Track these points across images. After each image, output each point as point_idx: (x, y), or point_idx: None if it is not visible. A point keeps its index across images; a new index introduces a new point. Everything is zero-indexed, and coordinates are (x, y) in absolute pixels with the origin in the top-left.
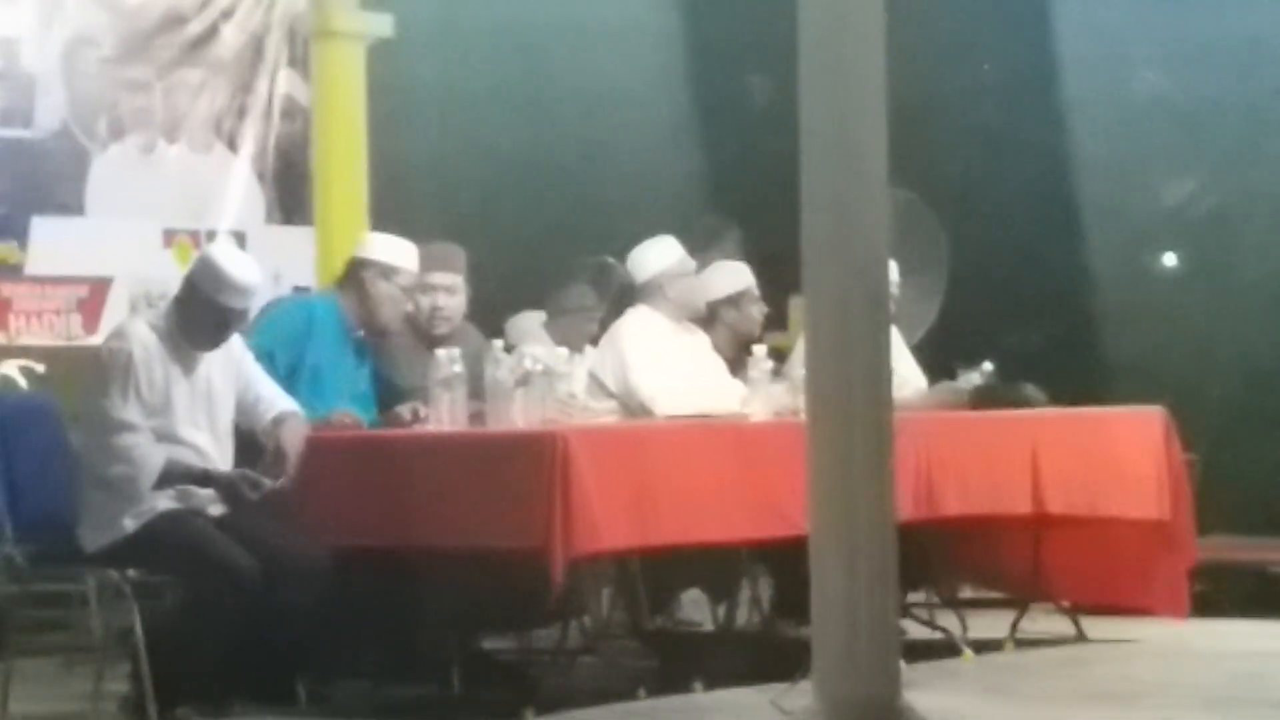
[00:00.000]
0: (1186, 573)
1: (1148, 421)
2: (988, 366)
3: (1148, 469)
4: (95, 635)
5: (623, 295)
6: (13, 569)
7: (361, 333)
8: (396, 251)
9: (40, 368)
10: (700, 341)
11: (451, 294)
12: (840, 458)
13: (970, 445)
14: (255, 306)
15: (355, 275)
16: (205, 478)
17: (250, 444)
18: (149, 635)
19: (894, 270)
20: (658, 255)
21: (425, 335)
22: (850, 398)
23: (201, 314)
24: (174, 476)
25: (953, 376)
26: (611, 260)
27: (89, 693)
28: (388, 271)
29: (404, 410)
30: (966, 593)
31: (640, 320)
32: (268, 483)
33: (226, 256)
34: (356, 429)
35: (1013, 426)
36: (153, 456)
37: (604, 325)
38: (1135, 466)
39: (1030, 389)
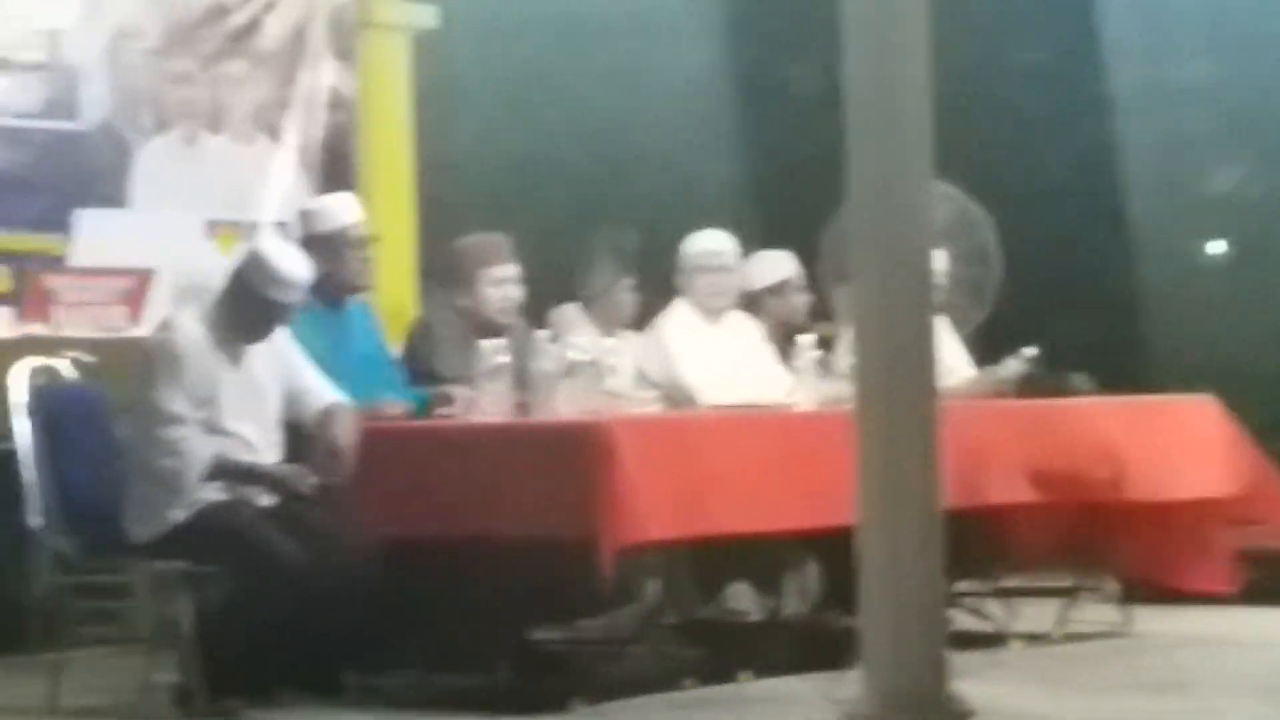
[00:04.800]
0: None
1: (1201, 408)
2: (1030, 351)
3: (1206, 448)
4: (144, 626)
5: (668, 283)
6: (62, 561)
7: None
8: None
9: (89, 359)
10: (747, 329)
11: (517, 285)
12: (887, 447)
13: (1017, 433)
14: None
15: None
16: (253, 474)
17: (297, 434)
18: (198, 626)
19: (941, 260)
20: (690, 246)
21: (485, 326)
22: (897, 387)
23: (249, 307)
24: (222, 471)
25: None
26: (619, 230)
27: (138, 684)
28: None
29: (453, 390)
30: (1014, 582)
31: (684, 310)
32: (316, 479)
33: (275, 250)
34: (404, 417)
35: (1061, 414)
36: (201, 450)
37: (648, 309)
38: (1191, 447)
39: (1078, 378)
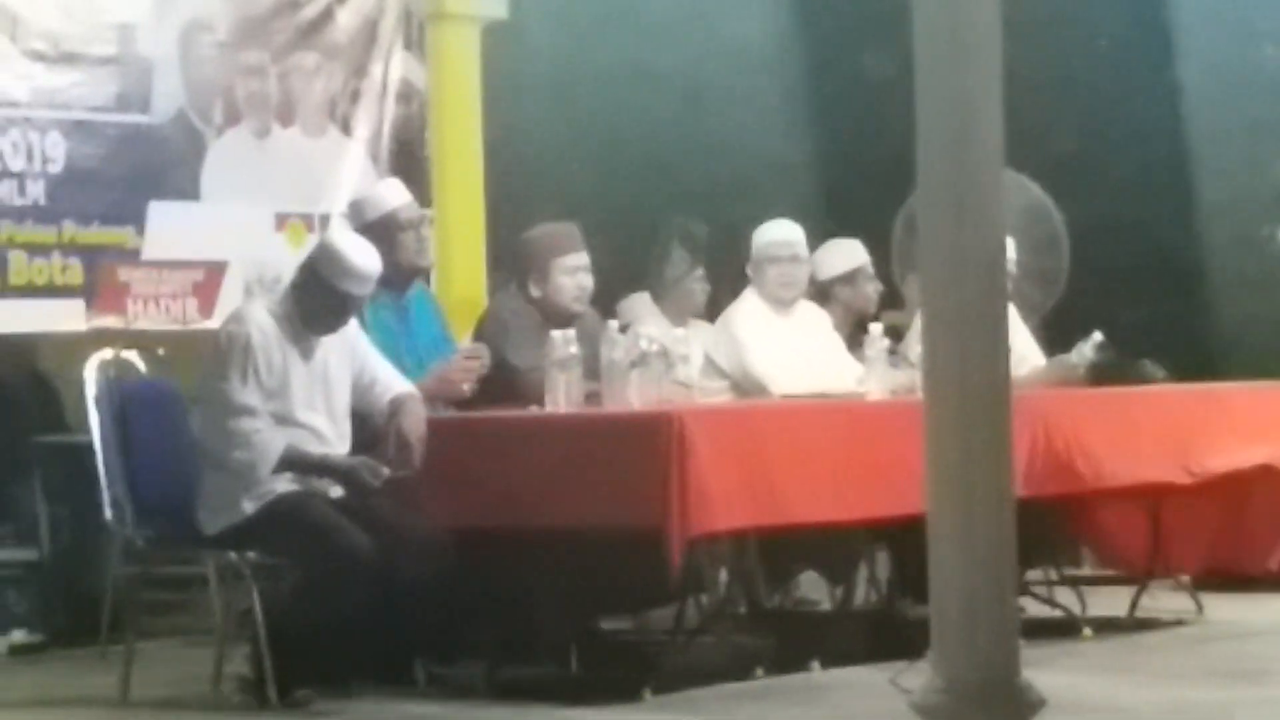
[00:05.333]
0: None
1: (1275, 394)
2: (1098, 337)
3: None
4: (215, 617)
5: (738, 273)
6: (133, 552)
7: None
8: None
9: (160, 351)
10: (819, 319)
11: (588, 273)
12: (957, 435)
13: (1089, 421)
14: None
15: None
16: (324, 466)
17: (366, 425)
18: (268, 617)
19: (1011, 248)
20: (759, 236)
21: (556, 316)
22: (967, 375)
23: (320, 299)
24: (293, 463)
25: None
26: (690, 220)
27: (209, 675)
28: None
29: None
30: (1086, 570)
31: (753, 300)
32: (386, 471)
33: (347, 243)
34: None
35: (1131, 401)
36: (273, 442)
37: (717, 298)
38: (1263, 433)
39: (1149, 365)
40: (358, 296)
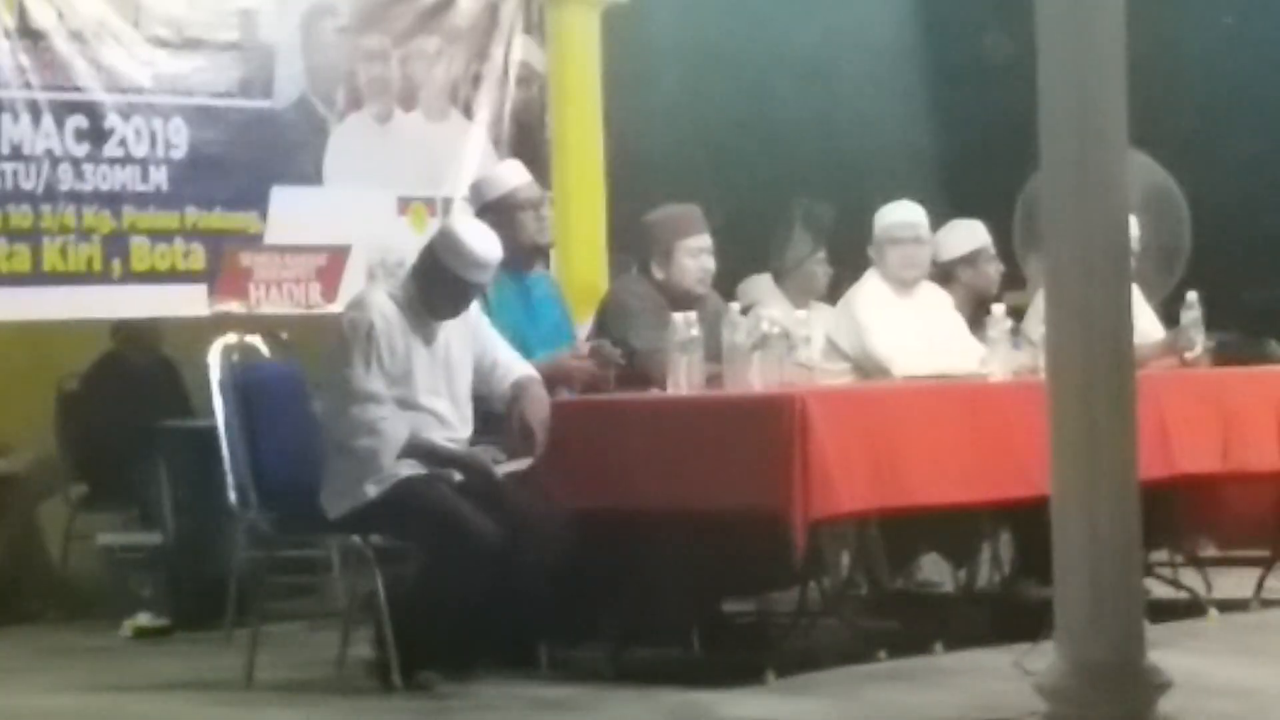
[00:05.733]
0: None
1: None
2: (1192, 297)
3: None
4: (339, 600)
5: (860, 254)
6: (257, 536)
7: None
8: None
9: (284, 335)
10: (941, 300)
11: (711, 255)
12: (1082, 417)
13: (1212, 401)
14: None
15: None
16: (447, 456)
17: (487, 407)
18: (392, 600)
19: (1134, 226)
20: (882, 218)
21: (678, 298)
22: (1091, 356)
23: (442, 286)
24: (417, 451)
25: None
26: (814, 202)
27: (333, 658)
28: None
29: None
30: (1210, 551)
31: (875, 282)
32: (509, 464)
33: (468, 230)
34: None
35: (1256, 382)
36: (398, 430)
37: (839, 280)
38: None
39: (1274, 344)
40: (478, 284)
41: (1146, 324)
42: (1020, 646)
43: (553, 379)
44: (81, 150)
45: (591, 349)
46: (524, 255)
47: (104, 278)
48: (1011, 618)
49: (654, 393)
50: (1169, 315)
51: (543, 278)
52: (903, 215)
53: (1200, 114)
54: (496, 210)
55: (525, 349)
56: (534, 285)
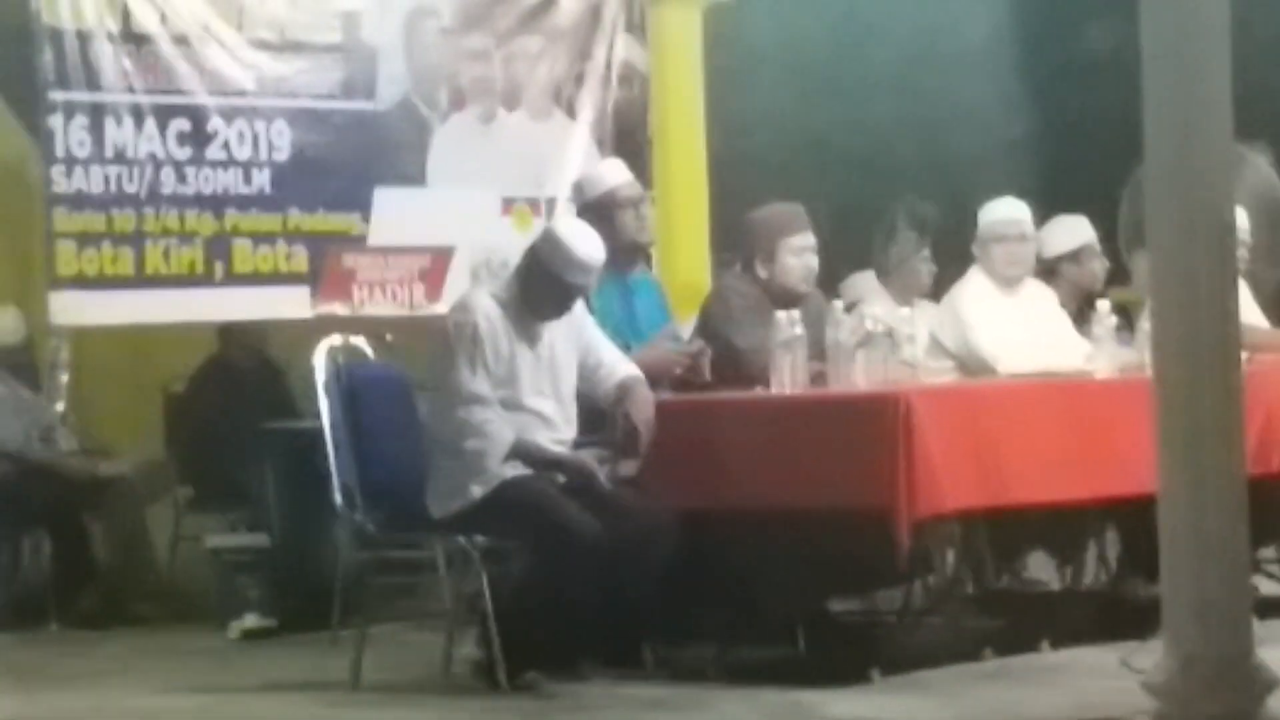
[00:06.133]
0: None
1: None
2: None
3: None
4: (444, 601)
5: (963, 251)
6: (364, 537)
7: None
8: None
9: (389, 337)
10: (1046, 297)
11: (814, 254)
12: (1188, 414)
13: None
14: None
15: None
16: (553, 460)
17: (591, 406)
18: (497, 600)
19: (1243, 219)
20: (988, 215)
21: (781, 297)
22: (1198, 353)
23: (545, 288)
24: (524, 455)
25: None
26: (918, 200)
27: (439, 659)
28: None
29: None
30: None
31: (980, 279)
32: (614, 469)
33: (572, 233)
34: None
35: None
36: (504, 433)
37: (942, 277)
38: None
39: None
40: (582, 285)
41: (1254, 318)
42: (1127, 645)
43: (649, 370)
44: (184, 153)
45: (689, 356)
46: (624, 254)
47: (207, 281)
48: (1118, 616)
49: (758, 391)
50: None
51: (645, 278)
52: (1007, 212)
53: None
54: (596, 209)
55: (627, 350)
56: (636, 286)
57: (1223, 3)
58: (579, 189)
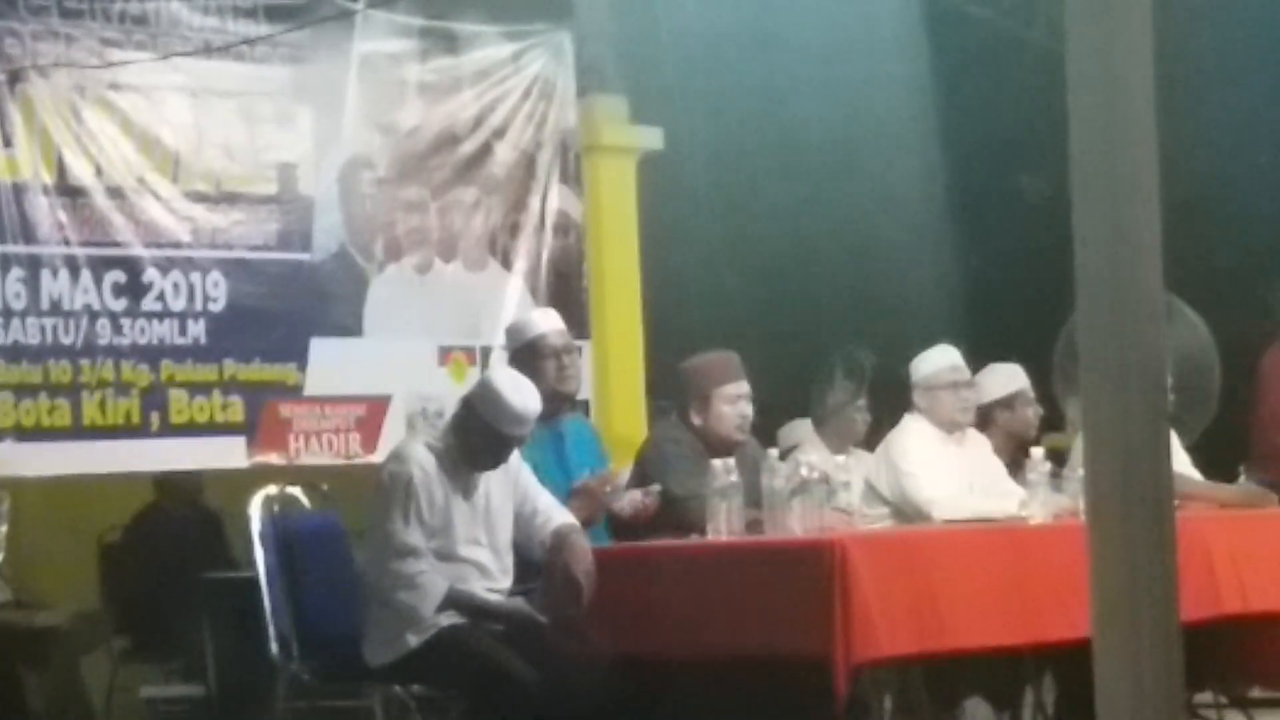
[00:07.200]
0: None
1: None
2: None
3: None
4: None
5: (896, 399)
6: (300, 686)
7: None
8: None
9: (325, 487)
10: (979, 443)
11: (749, 402)
12: (1122, 559)
13: (1254, 543)
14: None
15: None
16: (487, 610)
17: (525, 554)
18: None
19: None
20: (930, 363)
21: (717, 445)
22: (1131, 497)
23: (481, 439)
24: (459, 604)
25: (1233, 478)
26: (856, 349)
27: None
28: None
29: (593, 481)
30: (1255, 692)
31: (914, 426)
32: (547, 617)
33: (507, 384)
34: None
35: None
36: (436, 585)
37: (876, 425)
38: None
39: None
40: (517, 436)
41: (1184, 467)
42: None
43: (578, 511)
44: (120, 305)
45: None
46: (548, 402)
47: (143, 431)
48: None
49: (694, 539)
50: (1206, 462)
51: (575, 421)
52: (951, 359)
53: (1239, 252)
54: (523, 355)
55: (560, 496)
56: (566, 431)
57: (1151, 155)
58: (509, 335)
